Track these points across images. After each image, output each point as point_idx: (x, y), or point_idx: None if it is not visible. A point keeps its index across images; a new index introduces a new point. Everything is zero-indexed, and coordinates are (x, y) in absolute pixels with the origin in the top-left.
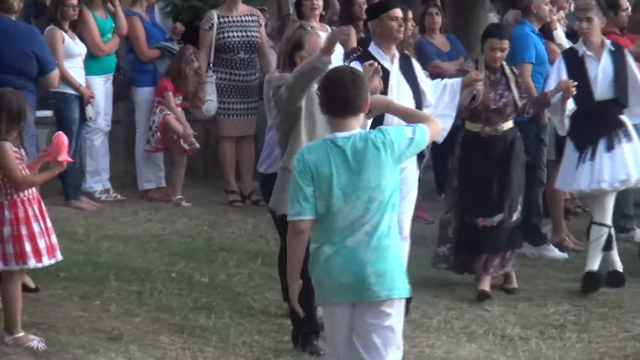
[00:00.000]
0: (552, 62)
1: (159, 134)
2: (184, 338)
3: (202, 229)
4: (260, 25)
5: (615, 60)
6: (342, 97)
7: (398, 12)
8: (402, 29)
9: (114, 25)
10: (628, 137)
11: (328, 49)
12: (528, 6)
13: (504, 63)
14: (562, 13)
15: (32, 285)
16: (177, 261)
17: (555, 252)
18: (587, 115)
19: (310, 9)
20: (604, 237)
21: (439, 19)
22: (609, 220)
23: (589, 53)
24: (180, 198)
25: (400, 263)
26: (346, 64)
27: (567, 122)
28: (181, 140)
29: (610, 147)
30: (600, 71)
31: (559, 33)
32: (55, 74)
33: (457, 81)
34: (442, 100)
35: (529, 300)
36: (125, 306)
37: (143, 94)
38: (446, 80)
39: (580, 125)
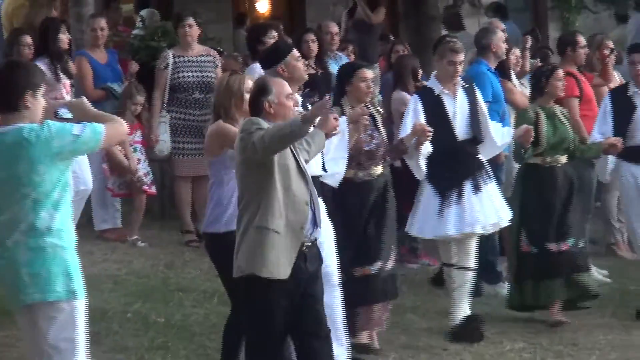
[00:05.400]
0: (508, 101)
1: (104, 165)
2: None
3: (158, 269)
4: (216, 65)
5: (469, 98)
6: None
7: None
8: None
9: None
10: (490, 177)
11: (311, 120)
12: (487, 44)
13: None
14: (517, 52)
15: None
16: (133, 301)
17: None
18: (449, 156)
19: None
20: (470, 283)
21: None
22: (474, 263)
23: (445, 91)
24: (137, 238)
25: (64, 265)
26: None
27: (423, 165)
28: (133, 177)
29: (477, 189)
30: (459, 109)
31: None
32: None
33: (342, 120)
34: (331, 142)
35: (485, 338)
36: None
37: None
38: None
39: (442, 168)
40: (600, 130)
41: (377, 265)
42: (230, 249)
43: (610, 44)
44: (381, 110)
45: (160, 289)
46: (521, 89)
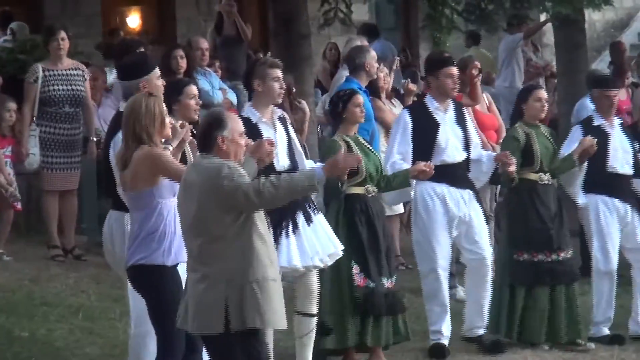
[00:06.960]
0: (378, 120)
1: None
2: None
3: (23, 283)
4: (85, 79)
5: (285, 128)
6: None
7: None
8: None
9: None
10: (317, 208)
11: (335, 172)
12: (360, 64)
13: None
14: (385, 70)
15: None
16: None
17: None
18: None
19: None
20: (314, 331)
21: None
22: (316, 307)
23: (264, 120)
24: (2, 252)
25: None
26: None
27: None
28: (2, 191)
29: (309, 220)
30: (279, 139)
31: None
32: None
33: None
34: None
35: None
36: None
37: None
38: None
39: None
40: (400, 151)
41: None
42: (170, 283)
43: (478, 65)
44: None
45: (25, 304)
46: (389, 108)
